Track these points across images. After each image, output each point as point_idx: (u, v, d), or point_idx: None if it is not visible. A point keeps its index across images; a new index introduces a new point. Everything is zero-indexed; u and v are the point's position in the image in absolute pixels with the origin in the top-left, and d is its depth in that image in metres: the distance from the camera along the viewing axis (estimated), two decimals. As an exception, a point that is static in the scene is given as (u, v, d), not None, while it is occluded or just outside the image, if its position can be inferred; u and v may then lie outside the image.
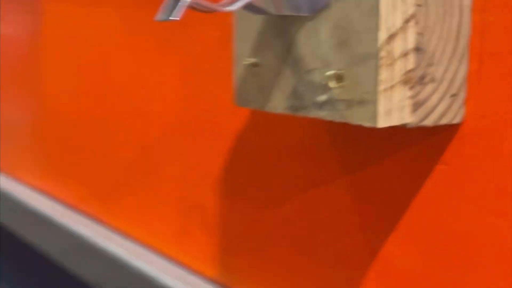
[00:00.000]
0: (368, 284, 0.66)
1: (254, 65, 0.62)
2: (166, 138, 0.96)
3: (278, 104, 0.60)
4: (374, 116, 0.51)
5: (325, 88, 0.55)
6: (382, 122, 0.51)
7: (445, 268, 0.59)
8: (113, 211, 1.10)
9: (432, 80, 0.53)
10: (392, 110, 0.52)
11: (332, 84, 0.54)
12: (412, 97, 0.53)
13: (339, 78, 0.54)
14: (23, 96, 1.37)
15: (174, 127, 0.94)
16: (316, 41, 0.55)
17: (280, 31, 0.59)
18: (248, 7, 0.54)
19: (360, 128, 0.62)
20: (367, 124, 0.52)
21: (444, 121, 0.55)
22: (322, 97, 0.55)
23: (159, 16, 0.49)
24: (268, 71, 0.61)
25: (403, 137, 0.61)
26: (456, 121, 0.56)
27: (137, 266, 0.96)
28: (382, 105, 0.51)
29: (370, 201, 0.65)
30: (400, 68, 0.51)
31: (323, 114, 0.55)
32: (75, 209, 1.19)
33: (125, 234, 1.06)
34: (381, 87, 0.51)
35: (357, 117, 0.52)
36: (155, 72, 0.97)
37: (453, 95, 0.55)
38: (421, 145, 0.60)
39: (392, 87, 0.51)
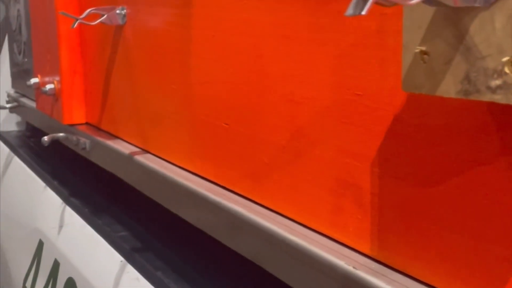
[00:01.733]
0: (533, 259, 0.69)
1: (423, 52, 0.67)
2: (317, 121, 1.02)
3: (449, 88, 0.64)
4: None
5: (500, 73, 0.58)
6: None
7: None
8: (265, 191, 1.17)
9: None
10: None
11: (507, 69, 0.58)
12: None
13: (515, 63, 0.57)
14: (173, 87, 1.47)
15: (325, 111, 1.00)
16: (491, 30, 0.59)
17: (452, 21, 0.63)
18: (428, 1, 0.59)
19: None
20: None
21: None
22: (497, 82, 0.59)
23: (350, 11, 0.55)
24: (438, 58, 0.65)
25: None
26: None
27: (292, 239, 1.03)
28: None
29: (536, 180, 0.68)
30: None
31: (498, 98, 0.59)
32: (228, 189, 1.27)
33: (278, 212, 1.14)
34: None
35: (533, 100, 0.56)
36: (307, 59, 1.03)
37: None
38: None
39: None
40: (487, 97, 0.60)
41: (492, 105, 0.72)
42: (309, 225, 1.06)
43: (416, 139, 0.83)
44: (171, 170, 1.46)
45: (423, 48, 0.67)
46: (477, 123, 0.74)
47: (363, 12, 0.55)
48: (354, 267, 0.90)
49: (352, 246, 0.97)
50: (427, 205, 0.83)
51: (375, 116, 0.90)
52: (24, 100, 2.78)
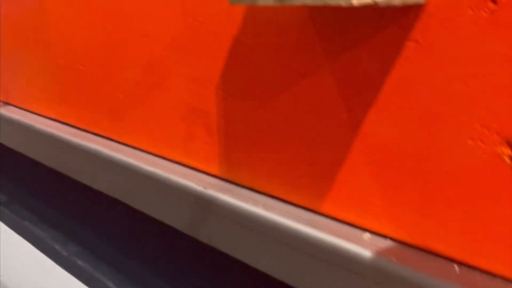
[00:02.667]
0: (354, 155, 0.76)
1: (244, -34, 0.70)
2: (168, 53, 1.04)
3: (267, -2, 0.69)
4: (348, -4, 0.60)
5: (307, -23, 0.63)
6: (357, 1, 0.60)
7: (418, 132, 0.68)
8: (123, 129, 1.19)
9: (399, -37, 0.62)
10: (364, -11, 0.60)
11: (312, -28, 0.62)
12: (382, -22, 0.61)
13: (318, -33, 0.62)
14: (31, 35, 1.45)
15: (174, 42, 1.03)
16: None
17: None
18: None
19: (338, 15, 0.71)
20: (343, 3, 0.60)
21: (411, 1, 0.63)
22: (305, -14, 0.64)
23: None
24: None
25: (377, 19, 0.69)
26: (422, 0, 0.64)
27: (148, 170, 1.06)
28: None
29: (352, 82, 0.74)
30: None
31: (307, 1, 0.64)
32: (87, 131, 1.28)
33: (136, 147, 1.16)
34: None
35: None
36: (154, -7, 1.05)
37: (418, -23, 0.63)
38: (393, 26, 0.68)
39: (363, -31, 0.60)
40: (298, 2, 0.65)
41: (314, 17, 0.77)
42: (165, 156, 1.09)
43: (252, 59, 0.88)
44: (32, 119, 1.44)
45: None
46: (304, 36, 0.79)
47: None
48: (204, 187, 0.95)
49: (204, 169, 1.01)
50: (268, 121, 0.88)
51: (217, 40, 0.93)
52: None
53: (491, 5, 0.60)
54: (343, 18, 0.73)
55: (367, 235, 0.75)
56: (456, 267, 0.66)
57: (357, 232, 0.76)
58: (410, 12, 0.66)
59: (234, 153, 0.95)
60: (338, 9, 0.73)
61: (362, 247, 0.72)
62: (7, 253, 1.46)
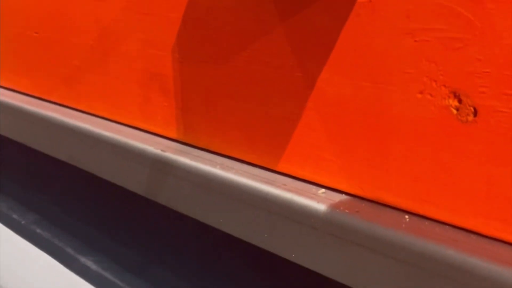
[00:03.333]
0: (308, 113, 0.77)
1: None
2: (122, 17, 1.04)
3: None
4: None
5: None
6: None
7: (367, 87, 0.70)
8: (80, 96, 1.19)
9: None
10: None
11: None
12: None
13: None
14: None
15: (128, 5, 1.02)
16: None
17: None
18: None
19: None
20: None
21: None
22: None
23: None
24: None
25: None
26: (371, -43, 0.65)
27: (105, 135, 1.06)
28: None
29: (305, 40, 0.75)
30: None
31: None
32: (43, 99, 1.27)
33: (93, 113, 1.16)
34: None
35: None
36: (107, -43, 1.04)
37: None
38: None
39: None
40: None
41: (267, -23, 0.78)
42: (122, 121, 1.09)
43: (209, 21, 0.88)
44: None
45: None
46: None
47: None
48: (162, 150, 0.95)
49: (161, 133, 1.01)
50: (223, 83, 0.88)
51: (171, 2, 0.93)
52: None
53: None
54: (296, -23, 0.74)
55: (321, 191, 0.76)
56: (406, 217, 0.68)
57: (313, 188, 0.78)
58: (360, -31, 0.67)
59: (190, 116, 0.95)
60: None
61: (316, 201, 0.74)
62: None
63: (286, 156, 0.82)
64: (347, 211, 0.71)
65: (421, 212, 0.67)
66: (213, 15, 0.87)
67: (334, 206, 0.72)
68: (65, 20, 1.17)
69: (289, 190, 0.78)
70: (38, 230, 1.30)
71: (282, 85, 0.80)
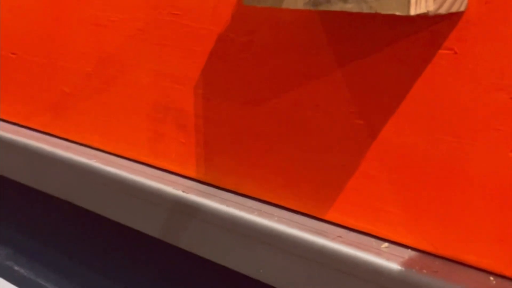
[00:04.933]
0: (369, 164, 0.73)
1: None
2: (129, 45, 0.96)
3: (296, 1, 0.64)
4: (406, 4, 0.56)
5: (351, -18, 0.59)
6: (414, 10, 0.57)
7: (448, 141, 0.67)
8: (69, 124, 1.10)
9: (447, -29, 0.59)
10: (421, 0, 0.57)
11: (359, -23, 0.58)
12: (434, -14, 0.58)
13: (366, -29, 0.58)
14: None
15: (138, 33, 0.95)
16: None
17: None
18: None
19: (359, 21, 0.68)
20: (399, 12, 0.57)
21: (454, 9, 0.61)
22: (348, -9, 0.60)
23: None
24: (283, -31, 0.64)
25: (404, 26, 0.67)
26: (462, 8, 0.62)
27: (108, 171, 0.98)
28: (413, -6, 0.56)
29: (369, 89, 0.71)
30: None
31: (349, 7, 0.60)
32: (28, 127, 1.17)
33: (86, 145, 1.07)
34: (413, -23, 0.56)
35: (388, 7, 0.58)
36: (113, -21, 0.96)
37: (461, -15, 0.61)
38: (424, 33, 0.66)
39: (421, -23, 0.57)
40: (338, 7, 0.61)
41: (326, 19, 0.73)
42: (126, 155, 1.01)
43: (244, 57, 0.83)
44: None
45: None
46: (311, 38, 0.75)
47: None
48: (184, 191, 0.89)
49: (177, 171, 0.95)
50: (260, 124, 0.83)
51: (197, 35, 0.87)
52: None
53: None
54: (361, 22, 0.70)
55: (385, 245, 0.73)
56: (491, 278, 0.65)
57: (373, 241, 0.74)
58: (446, 19, 0.64)
59: (215, 155, 0.89)
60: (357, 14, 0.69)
61: (385, 258, 0.70)
62: None
63: (336, 205, 0.77)
64: (424, 271, 0.67)
65: (508, 273, 0.65)
66: (250, 52, 0.82)
67: (407, 265, 0.68)
68: (53, 42, 1.08)
69: (348, 244, 0.73)
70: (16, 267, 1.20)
71: (335, 132, 0.75)
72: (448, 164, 0.67)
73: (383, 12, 0.58)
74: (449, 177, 0.67)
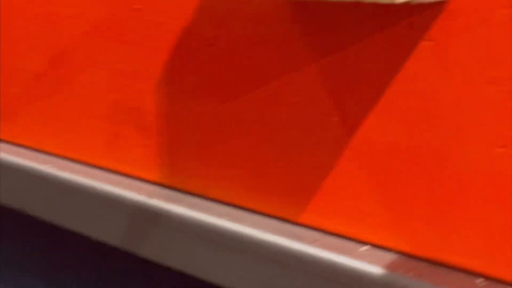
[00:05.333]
0: (347, 163, 0.69)
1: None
2: (86, 41, 0.91)
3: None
4: (392, -8, 0.53)
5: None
6: (399, -1, 0.53)
7: (431, 138, 0.63)
8: (18, 128, 1.03)
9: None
10: (407, -14, 0.54)
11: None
12: (420, -27, 0.55)
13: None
14: None
15: (95, 29, 0.89)
16: None
17: None
18: None
19: (335, 12, 0.64)
20: (384, 1, 0.53)
21: (439, -3, 0.58)
22: (328, -22, 0.56)
23: None
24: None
25: (384, 17, 0.63)
26: (447, -3, 0.59)
27: (62, 176, 0.92)
28: (399, -19, 0.53)
29: (347, 83, 0.68)
30: None
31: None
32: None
33: (39, 150, 1.01)
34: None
35: (372, -5, 0.54)
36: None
37: (445, -28, 0.58)
38: (404, 24, 0.63)
39: (407, -37, 0.53)
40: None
41: (298, 10, 0.69)
42: (84, 160, 0.95)
43: (211, 53, 0.78)
44: None
45: None
46: (280, 31, 0.71)
47: None
48: (147, 196, 0.84)
49: (140, 176, 0.89)
50: (227, 122, 0.79)
51: (160, 31, 0.82)
52: None
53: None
54: (337, 12, 0.66)
55: (364, 248, 0.69)
56: (478, 280, 0.62)
57: (351, 244, 0.70)
58: (426, 9, 0.61)
59: (180, 157, 0.84)
60: (330, 4, 0.66)
61: (367, 261, 0.66)
62: None
63: (313, 208, 0.73)
64: (408, 274, 0.64)
65: (495, 275, 0.62)
66: (218, 46, 0.77)
67: (390, 268, 0.65)
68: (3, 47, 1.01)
69: (326, 248, 0.70)
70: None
71: (310, 129, 0.72)
72: (432, 162, 0.64)
73: (367, 0, 0.54)
74: (433, 175, 0.64)
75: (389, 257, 0.67)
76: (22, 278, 1.15)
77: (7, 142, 1.05)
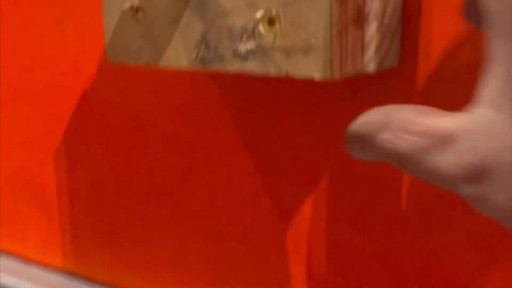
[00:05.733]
0: (281, 253, 0.58)
1: (136, 9, 0.49)
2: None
3: (178, 57, 0.48)
4: (327, 65, 0.41)
5: (252, 34, 0.44)
6: (337, 73, 0.42)
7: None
8: None
9: (375, 16, 0.45)
10: (347, 56, 0.42)
11: (262, 29, 0.43)
12: (362, 38, 0.44)
13: (271, 20, 0.43)
14: None
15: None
16: (235, -26, 0.44)
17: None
18: None
19: (262, 81, 0.53)
20: (318, 76, 0.42)
21: (386, 64, 0.47)
22: (248, 45, 0.44)
23: None
24: (159, 17, 0.48)
25: (329, 90, 0.52)
26: (395, 63, 0.48)
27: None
28: (336, 51, 0.42)
29: (277, 162, 0.56)
30: (353, 2, 0.42)
31: (250, 66, 0.44)
32: None
33: None
34: (335, 28, 0.41)
35: (303, 68, 0.42)
36: None
37: (392, 33, 0.47)
38: (345, 95, 0.52)
39: (346, 27, 0.42)
40: (234, 67, 0.45)
41: (224, 84, 0.57)
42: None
43: (116, 122, 0.65)
44: None
45: (135, 3, 0.49)
46: (198, 101, 0.59)
47: None
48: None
49: (40, 260, 0.75)
50: (139, 203, 0.66)
51: (56, 94, 0.69)
52: None
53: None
54: (265, 82, 0.55)
55: None
56: None
57: None
58: (373, 78, 0.50)
59: (85, 241, 0.71)
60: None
61: None
62: None
63: (242, 307, 0.61)
64: None
65: None
66: (125, 115, 0.64)
67: None
68: None
69: None
70: None
71: (237, 214, 0.60)
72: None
73: (297, 75, 0.43)
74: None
75: None
76: None
77: None
